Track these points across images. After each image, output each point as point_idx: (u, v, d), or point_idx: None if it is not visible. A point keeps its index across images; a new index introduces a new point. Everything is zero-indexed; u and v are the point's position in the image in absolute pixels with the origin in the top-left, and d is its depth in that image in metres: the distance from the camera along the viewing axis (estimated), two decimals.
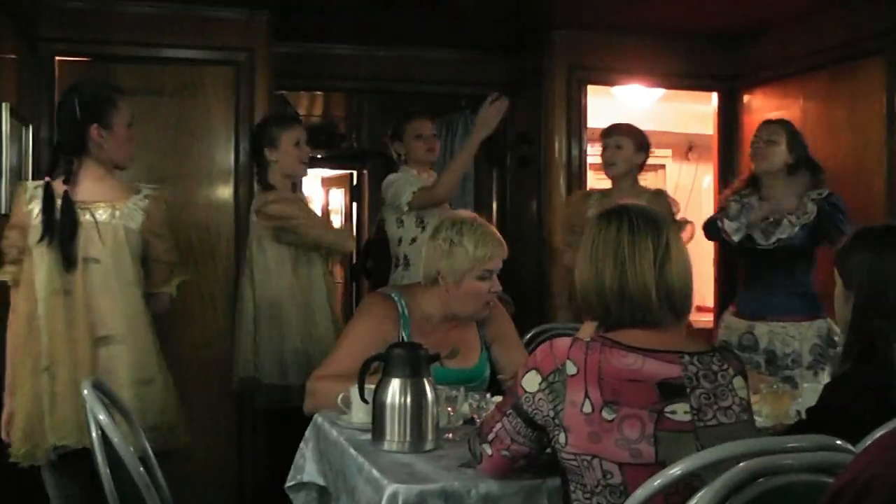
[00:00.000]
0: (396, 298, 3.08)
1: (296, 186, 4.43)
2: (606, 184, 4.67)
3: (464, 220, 3.04)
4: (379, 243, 5.11)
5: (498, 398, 2.62)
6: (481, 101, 6.25)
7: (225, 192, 4.75)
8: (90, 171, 3.23)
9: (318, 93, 7.47)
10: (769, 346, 4.05)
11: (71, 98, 3.24)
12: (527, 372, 2.00)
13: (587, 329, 2.39)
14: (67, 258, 3.10)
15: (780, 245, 4.05)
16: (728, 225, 4.11)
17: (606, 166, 4.45)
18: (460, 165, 4.32)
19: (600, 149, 4.51)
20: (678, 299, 2.03)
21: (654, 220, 2.08)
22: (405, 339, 3.01)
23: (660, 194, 4.48)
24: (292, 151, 4.12)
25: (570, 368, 1.94)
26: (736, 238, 4.10)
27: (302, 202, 4.21)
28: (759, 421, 2.55)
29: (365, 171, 9.25)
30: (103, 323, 3.16)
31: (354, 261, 7.19)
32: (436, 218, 3.89)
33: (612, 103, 6.45)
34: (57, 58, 4.64)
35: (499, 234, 3.06)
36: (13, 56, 4.09)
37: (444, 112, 6.52)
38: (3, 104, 3.70)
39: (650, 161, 4.75)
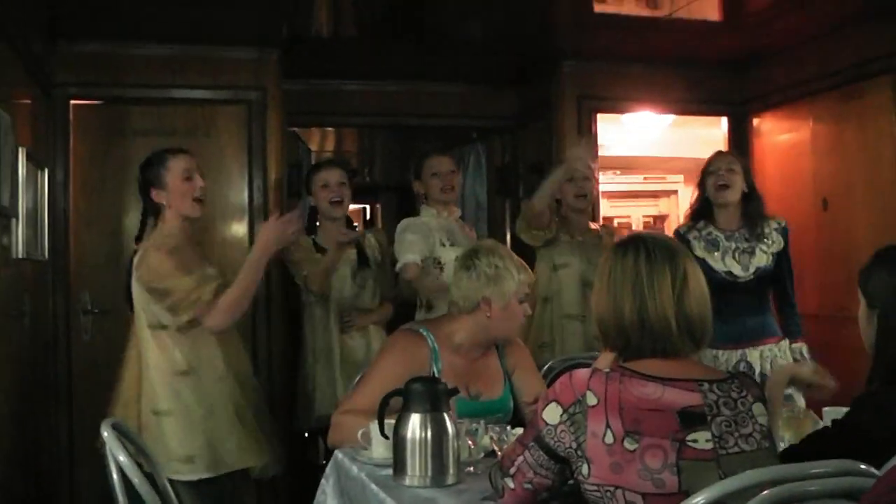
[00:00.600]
0: (425, 333, 3.09)
1: (349, 223, 4.47)
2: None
3: (496, 248, 3.13)
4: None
5: (518, 430, 2.60)
6: (491, 134, 6.30)
7: (239, 229, 4.77)
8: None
9: (330, 129, 7.51)
10: (762, 371, 4.07)
11: (139, 170, 3.62)
12: (547, 404, 1.99)
13: (605, 359, 2.37)
14: (131, 308, 3.55)
15: (759, 274, 4.12)
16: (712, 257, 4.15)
17: (578, 198, 4.52)
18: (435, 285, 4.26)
19: (564, 181, 4.51)
20: (697, 328, 2.03)
21: (670, 248, 2.07)
22: (436, 373, 3.01)
23: (608, 229, 4.81)
24: (320, 193, 4.33)
25: (591, 399, 1.93)
26: (728, 268, 4.13)
27: (306, 250, 4.27)
28: (782, 446, 2.53)
29: (378, 206, 9.27)
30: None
31: None
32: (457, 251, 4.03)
33: (622, 130, 6.47)
34: (71, 101, 4.69)
35: None
36: (28, 101, 4.13)
37: (456, 145, 6.54)
38: (20, 148, 3.73)
39: (663, 187, 4.77)
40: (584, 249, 4.50)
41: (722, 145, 5.83)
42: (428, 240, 4.35)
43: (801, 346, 4.16)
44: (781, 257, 4.17)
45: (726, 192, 4.15)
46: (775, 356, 4.11)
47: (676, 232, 4.31)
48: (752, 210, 4.19)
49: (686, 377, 1.96)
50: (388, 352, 3.10)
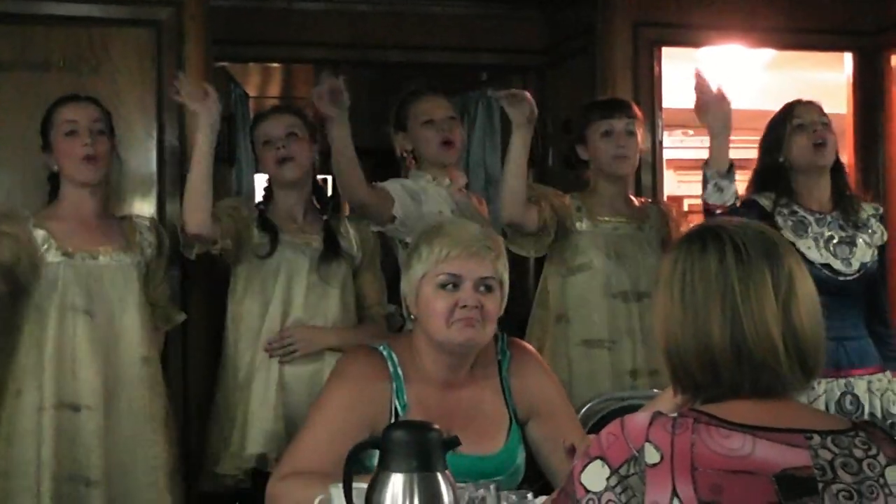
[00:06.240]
0: (385, 352, 3.15)
1: (319, 191, 4.56)
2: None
3: (438, 224, 3.21)
4: None
5: (542, 500, 2.62)
6: (508, 75, 6.29)
7: (144, 208, 4.74)
8: None
9: (275, 65, 7.50)
10: (871, 409, 4.18)
11: None
12: (588, 463, 2.00)
13: (667, 400, 2.39)
14: None
15: (864, 272, 4.26)
16: (809, 246, 4.24)
17: (618, 160, 4.54)
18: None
19: (600, 132, 4.57)
20: (810, 351, 2.05)
21: (766, 242, 2.09)
22: (399, 409, 3.07)
23: (661, 208, 4.87)
24: (264, 153, 4.41)
25: (651, 455, 1.94)
26: (821, 258, 4.25)
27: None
28: None
29: None
30: None
31: None
32: None
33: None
34: None
35: (491, 236, 3.19)
36: None
37: (458, 90, 6.54)
38: None
39: (754, 155, 4.78)
40: (612, 240, 4.50)
41: (844, 95, 5.84)
42: (418, 202, 4.34)
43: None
44: (881, 256, 4.33)
45: (825, 150, 4.27)
46: (886, 390, 4.22)
47: (751, 202, 4.34)
48: (843, 185, 4.35)
49: (787, 426, 1.98)
50: (335, 383, 3.16)
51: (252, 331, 4.29)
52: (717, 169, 4.22)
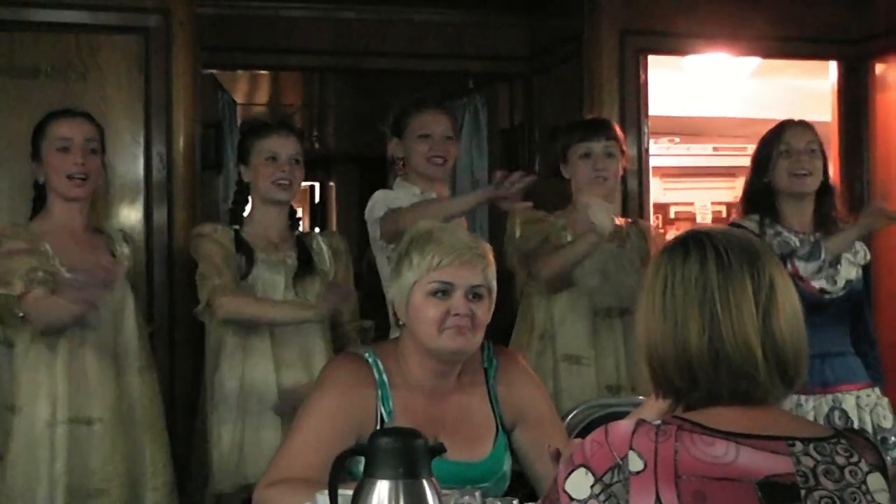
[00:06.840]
0: (370, 359, 3.13)
1: (291, 213, 4.46)
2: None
3: (426, 230, 3.15)
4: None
5: None
6: (495, 82, 6.28)
7: (131, 215, 4.75)
8: None
9: (263, 72, 7.51)
10: (861, 425, 4.20)
11: None
12: (572, 470, 2.00)
13: (651, 407, 2.39)
14: None
15: (850, 290, 4.31)
16: (804, 268, 4.23)
17: (597, 182, 4.49)
18: (446, 212, 4.20)
19: (579, 154, 4.52)
20: (790, 360, 2.05)
21: (748, 248, 2.09)
22: (385, 416, 3.06)
23: (642, 227, 4.81)
24: (263, 168, 4.28)
25: (635, 463, 1.95)
26: (817, 284, 4.25)
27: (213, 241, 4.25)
28: None
29: (331, 184, 9.25)
30: None
31: None
32: None
33: (684, 80, 6.49)
34: None
35: (481, 244, 3.15)
36: None
37: (444, 98, 6.55)
38: None
39: (741, 162, 4.79)
40: (596, 258, 4.44)
41: (828, 102, 5.85)
42: None
43: (886, 401, 4.34)
44: (865, 276, 4.38)
45: (807, 180, 4.29)
46: (875, 405, 4.27)
47: (736, 226, 4.35)
48: (828, 208, 4.37)
49: (770, 433, 1.99)
50: (321, 390, 3.13)
51: (236, 349, 4.24)
52: (833, 256, 4.25)
